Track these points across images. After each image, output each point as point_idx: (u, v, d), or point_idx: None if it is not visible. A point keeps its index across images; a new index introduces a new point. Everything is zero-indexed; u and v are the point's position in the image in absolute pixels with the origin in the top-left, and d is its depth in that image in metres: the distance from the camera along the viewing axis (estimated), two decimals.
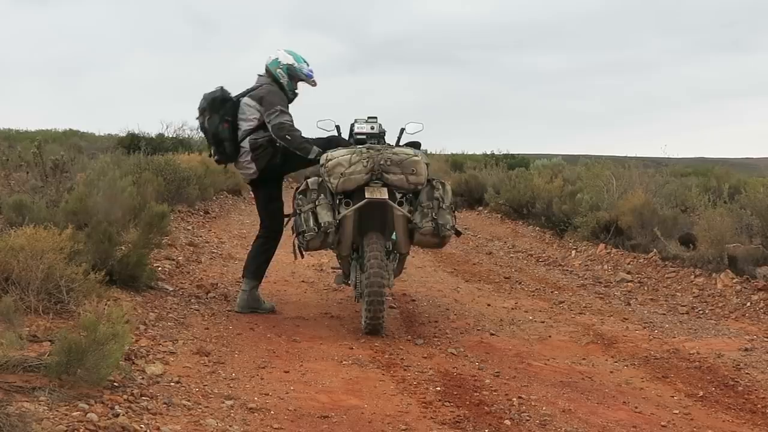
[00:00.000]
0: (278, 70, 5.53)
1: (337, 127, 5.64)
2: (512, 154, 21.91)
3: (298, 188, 5.26)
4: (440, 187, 5.19)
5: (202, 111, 5.52)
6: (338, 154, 5.12)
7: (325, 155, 5.17)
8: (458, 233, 5.32)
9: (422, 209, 5.11)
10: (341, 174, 5.03)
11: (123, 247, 5.64)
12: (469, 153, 25.71)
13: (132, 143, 17.72)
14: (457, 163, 20.63)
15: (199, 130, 5.82)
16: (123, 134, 21.12)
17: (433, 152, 23.69)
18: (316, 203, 5.09)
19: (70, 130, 27.38)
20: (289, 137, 5.37)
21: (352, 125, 5.61)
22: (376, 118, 5.57)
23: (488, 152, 21.98)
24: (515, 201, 12.37)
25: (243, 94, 5.56)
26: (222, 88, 5.57)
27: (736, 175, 13.90)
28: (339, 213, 5.08)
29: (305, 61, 5.60)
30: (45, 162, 6.97)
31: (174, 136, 20.27)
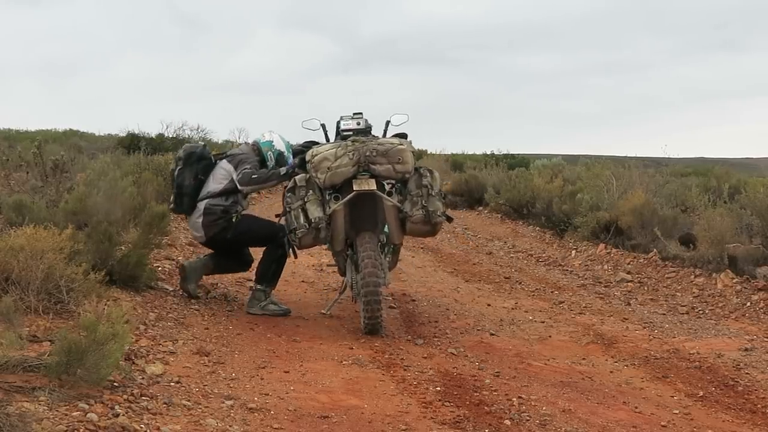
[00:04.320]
0: (269, 152, 5.67)
1: (323, 126, 5.68)
2: (512, 154, 21.95)
3: (286, 186, 5.28)
4: (428, 174, 5.20)
5: (177, 160, 5.67)
6: (323, 149, 5.15)
7: (310, 151, 5.19)
8: (449, 219, 5.31)
9: (411, 198, 5.13)
10: (328, 168, 5.04)
11: (123, 247, 5.63)
12: (468, 153, 25.79)
13: (132, 143, 17.72)
14: (457, 163, 20.69)
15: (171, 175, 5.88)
16: (123, 134, 21.16)
17: (433, 152, 23.76)
18: (305, 200, 5.10)
19: (70, 130, 27.44)
20: (255, 176, 5.49)
21: (338, 122, 5.63)
22: (361, 113, 5.59)
23: (486, 152, 22.05)
24: (515, 201, 12.38)
25: (221, 156, 5.70)
26: (204, 146, 5.76)
27: (736, 175, 13.89)
28: (329, 208, 5.08)
29: (291, 152, 5.76)
30: (45, 162, 6.96)
31: (174, 136, 20.25)
